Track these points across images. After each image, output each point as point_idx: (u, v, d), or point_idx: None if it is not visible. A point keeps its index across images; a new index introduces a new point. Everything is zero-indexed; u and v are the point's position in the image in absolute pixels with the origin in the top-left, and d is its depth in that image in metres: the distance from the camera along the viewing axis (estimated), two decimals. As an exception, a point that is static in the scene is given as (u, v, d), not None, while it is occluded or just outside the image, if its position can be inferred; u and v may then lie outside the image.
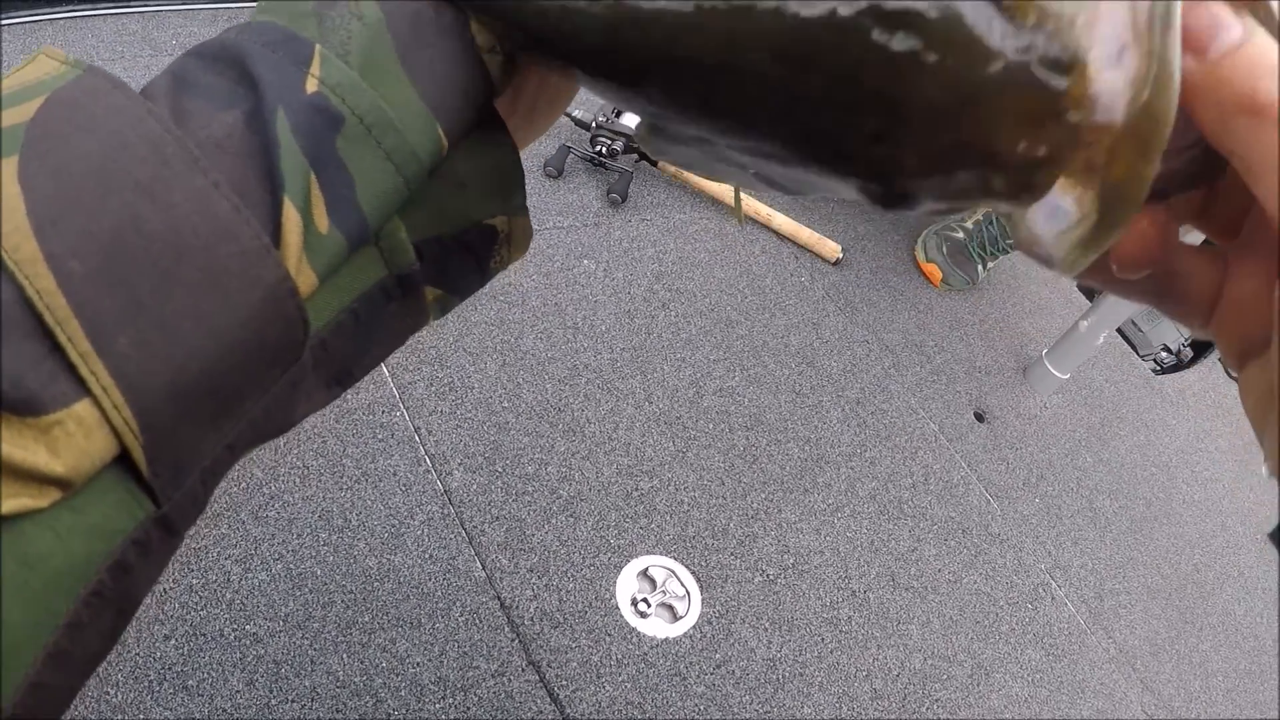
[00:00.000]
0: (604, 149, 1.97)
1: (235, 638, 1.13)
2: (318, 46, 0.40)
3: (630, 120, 2.01)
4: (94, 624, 0.37)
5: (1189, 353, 2.58)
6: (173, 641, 1.10)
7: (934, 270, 2.26)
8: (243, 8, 2.15)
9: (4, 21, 1.84)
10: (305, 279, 0.38)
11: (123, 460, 0.36)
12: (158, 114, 0.36)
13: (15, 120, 0.35)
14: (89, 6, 1.96)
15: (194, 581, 1.15)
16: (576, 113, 2.01)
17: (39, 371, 0.33)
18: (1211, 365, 2.64)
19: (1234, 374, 0.38)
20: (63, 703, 0.38)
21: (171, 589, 1.13)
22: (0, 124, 0.35)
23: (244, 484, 1.25)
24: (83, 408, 0.34)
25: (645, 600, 1.35)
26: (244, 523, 1.22)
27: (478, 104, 0.44)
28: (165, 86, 0.38)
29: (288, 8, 0.41)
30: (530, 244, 0.50)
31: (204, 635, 1.12)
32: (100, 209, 0.34)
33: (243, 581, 1.17)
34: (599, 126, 1.97)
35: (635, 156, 2.03)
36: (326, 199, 0.39)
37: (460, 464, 1.38)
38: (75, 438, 0.34)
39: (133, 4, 2.02)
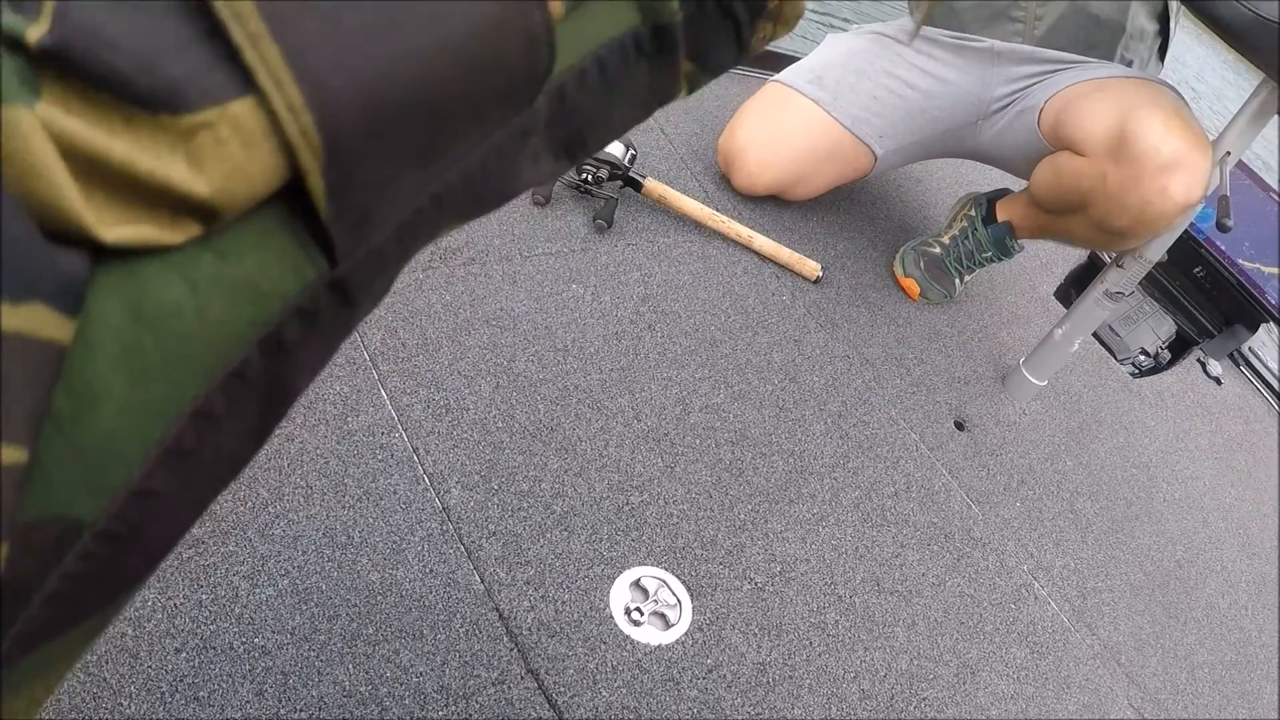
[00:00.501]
0: (589, 176, 2.02)
1: (244, 650, 1.17)
2: None
3: (615, 149, 2.06)
4: (231, 416, 0.29)
5: (1167, 355, 2.62)
6: (184, 654, 1.14)
7: (912, 285, 2.31)
8: None
9: None
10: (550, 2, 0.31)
11: (291, 195, 0.28)
12: None
13: None
14: None
15: (203, 597, 1.18)
16: (561, 142, 2.05)
17: (184, 55, 0.25)
18: (1189, 366, 2.69)
19: None
20: (180, 522, 0.30)
21: (182, 604, 1.17)
22: None
23: (250, 503, 1.29)
24: (243, 107, 0.26)
25: (638, 609, 1.39)
26: (251, 540, 1.26)
27: None
28: None
29: None
30: (793, 26, 0.41)
31: (214, 648, 1.16)
32: None
33: (251, 596, 1.21)
34: (583, 155, 2.02)
35: (620, 183, 2.08)
36: None
37: (458, 482, 1.43)
38: (228, 147, 0.26)
39: None
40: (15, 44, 0.24)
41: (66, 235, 0.25)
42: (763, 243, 2.15)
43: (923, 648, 1.57)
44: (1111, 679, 1.71)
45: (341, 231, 0.29)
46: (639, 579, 1.43)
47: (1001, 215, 2.22)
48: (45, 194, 0.24)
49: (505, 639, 1.29)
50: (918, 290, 2.31)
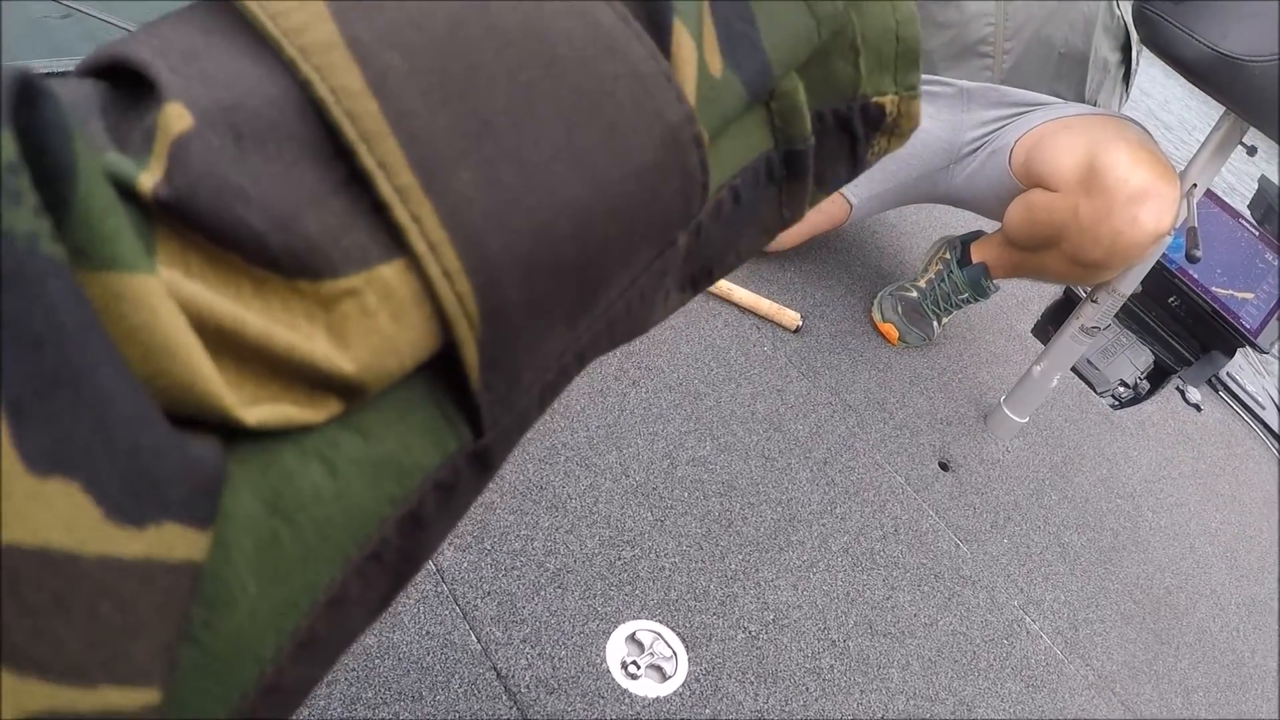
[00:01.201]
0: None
1: None
2: None
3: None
4: (361, 598, 0.27)
5: (1146, 385, 2.65)
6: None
7: (890, 330, 2.33)
8: None
9: None
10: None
11: (433, 363, 0.26)
12: None
13: None
14: None
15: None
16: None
17: (321, 209, 0.23)
18: (1169, 395, 2.71)
19: None
20: (294, 706, 0.28)
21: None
22: None
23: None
24: (392, 272, 0.23)
25: (635, 663, 1.40)
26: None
27: None
28: None
29: None
30: (907, 138, 0.39)
31: None
32: None
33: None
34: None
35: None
36: (719, 34, 0.29)
37: (450, 543, 1.44)
38: (376, 318, 0.23)
39: None
40: (125, 192, 0.22)
41: (195, 421, 0.22)
42: (742, 295, 2.17)
43: (918, 688, 1.58)
44: (1108, 708, 1.72)
45: (491, 402, 0.27)
46: (634, 633, 1.44)
47: (976, 256, 2.25)
48: (179, 374, 0.21)
49: (504, 697, 1.29)
50: (897, 334, 2.33)
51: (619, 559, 1.53)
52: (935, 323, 2.36)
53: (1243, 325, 2.58)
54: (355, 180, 0.23)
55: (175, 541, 0.21)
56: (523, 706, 1.29)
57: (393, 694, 1.25)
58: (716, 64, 0.29)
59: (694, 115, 0.27)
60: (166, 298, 0.21)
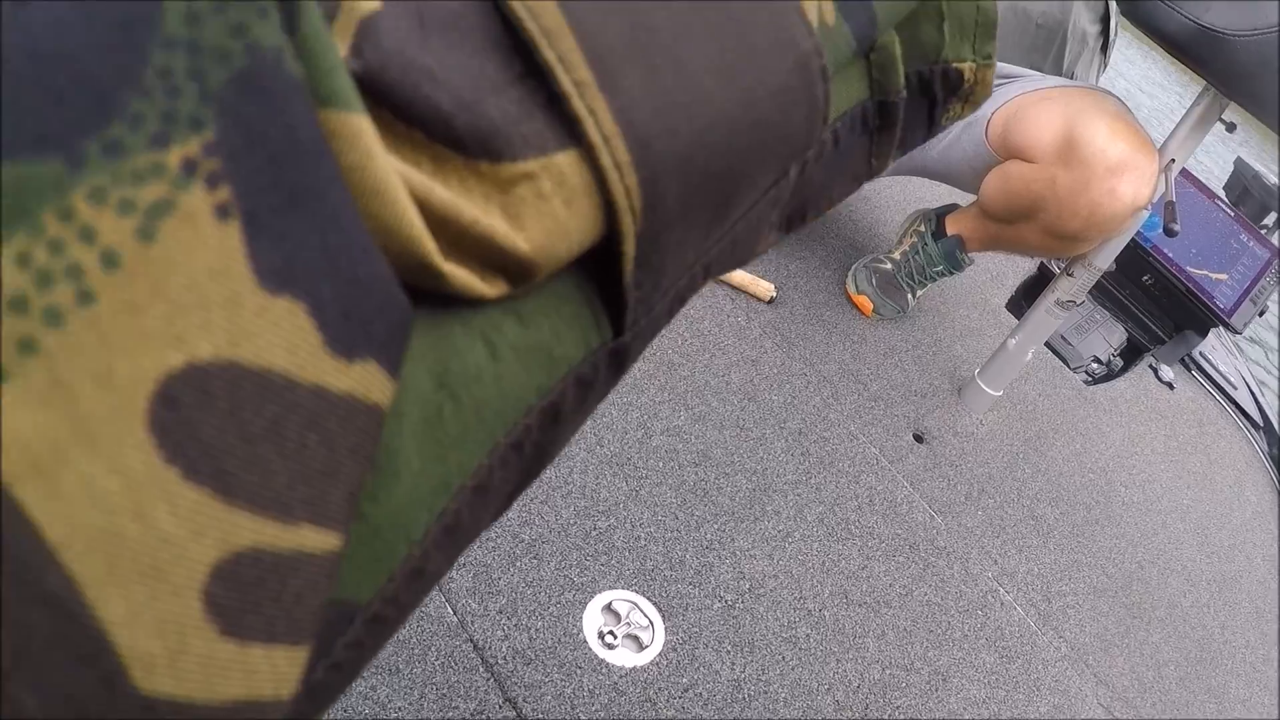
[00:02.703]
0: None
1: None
2: None
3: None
4: (499, 488, 0.27)
5: (1119, 362, 2.65)
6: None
7: (865, 301, 2.32)
8: None
9: None
10: None
11: (585, 257, 0.26)
12: None
13: None
14: None
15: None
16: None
17: (502, 96, 0.23)
18: (1141, 373, 2.71)
19: None
20: (424, 594, 0.28)
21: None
22: None
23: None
24: (567, 160, 0.24)
25: (611, 633, 1.39)
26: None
27: None
28: None
29: None
30: (980, 105, 0.40)
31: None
32: None
33: (223, 641, 1.20)
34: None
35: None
36: None
37: (424, 514, 1.42)
38: (551, 203, 0.24)
39: None
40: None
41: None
42: (717, 265, 2.15)
43: (894, 657, 1.57)
44: (1080, 680, 1.71)
45: (639, 298, 0.28)
46: (610, 603, 1.42)
47: (951, 229, 2.23)
48: (387, 217, 0.21)
49: (481, 669, 1.28)
50: (871, 307, 2.32)
51: (594, 529, 1.51)
52: (910, 295, 2.34)
53: (1216, 305, 2.58)
54: (532, 74, 0.24)
55: (373, 383, 0.22)
56: (500, 678, 1.28)
57: (370, 668, 1.23)
58: (831, 14, 0.30)
59: (822, 48, 0.29)
60: (378, 140, 0.21)
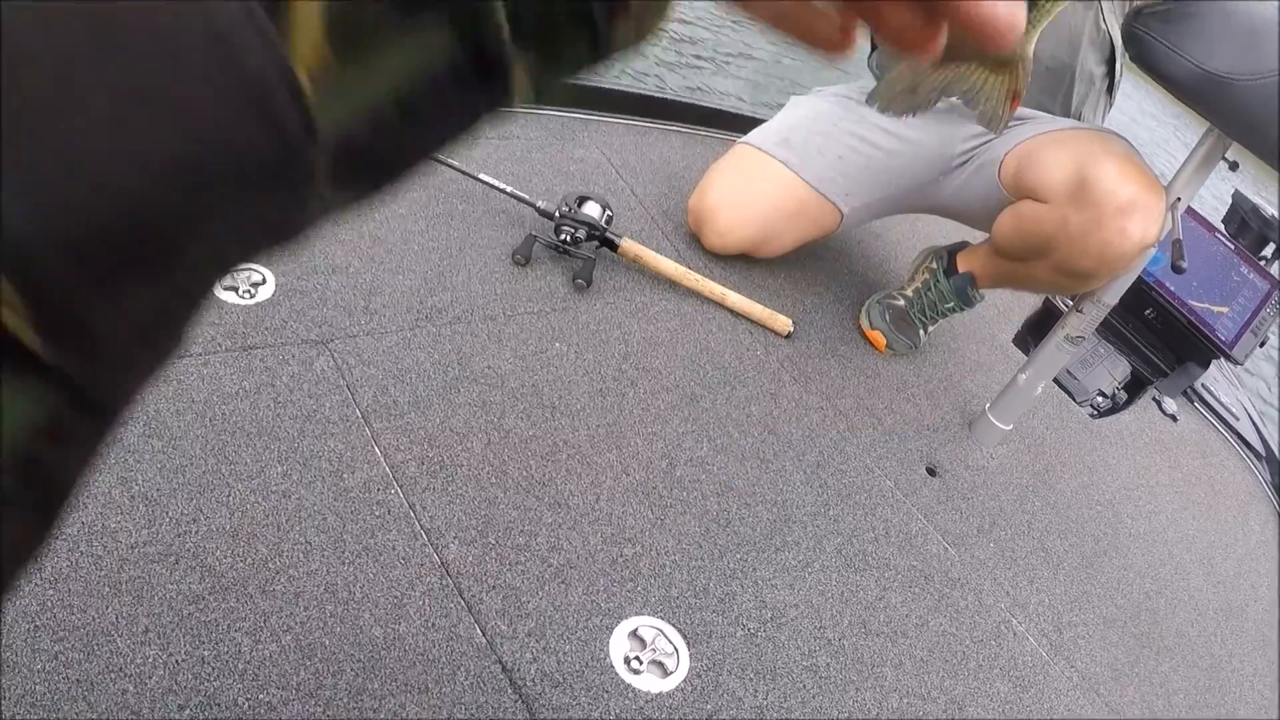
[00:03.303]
0: (568, 237, 2.03)
1: (249, 706, 1.14)
2: None
3: (592, 209, 2.06)
4: None
5: (1123, 395, 2.65)
6: (187, 711, 1.11)
7: (878, 337, 2.32)
8: None
9: None
10: (310, 51, 0.26)
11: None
12: None
13: None
14: None
15: (205, 653, 1.16)
16: (540, 203, 2.06)
17: None
18: (1146, 406, 2.71)
19: None
20: None
21: (184, 660, 1.14)
22: None
23: (250, 559, 1.27)
24: None
25: (637, 658, 1.38)
26: (252, 596, 1.24)
27: None
28: None
29: None
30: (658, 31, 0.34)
31: (218, 704, 1.13)
32: None
33: (254, 653, 1.19)
34: (562, 216, 2.03)
35: (597, 244, 2.08)
36: None
37: (455, 537, 1.42)
38: None
39: None
40: None
41: None
42: (735, 300, 2.16)
43: (911, 686, 1.56)
44: (1092, 709, 1.71)
45: (73, 363, 0.26)
46: (636, 629, 1.42)
47: (962, 266, 2.24)
48: None
49: (509, 690, 1.27)
50: (884, 342, 2.32)
51: (620, 556, 1.51)
52: (921, 331, 2.35)
53: (1218, 338, 2.58)
54: None
55: None
56: (528, 700, 1.27)
57: (398, 686, 1.23)
58: None
59: (287, 61, 0.25)
60: None
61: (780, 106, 2.47)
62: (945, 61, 1.22)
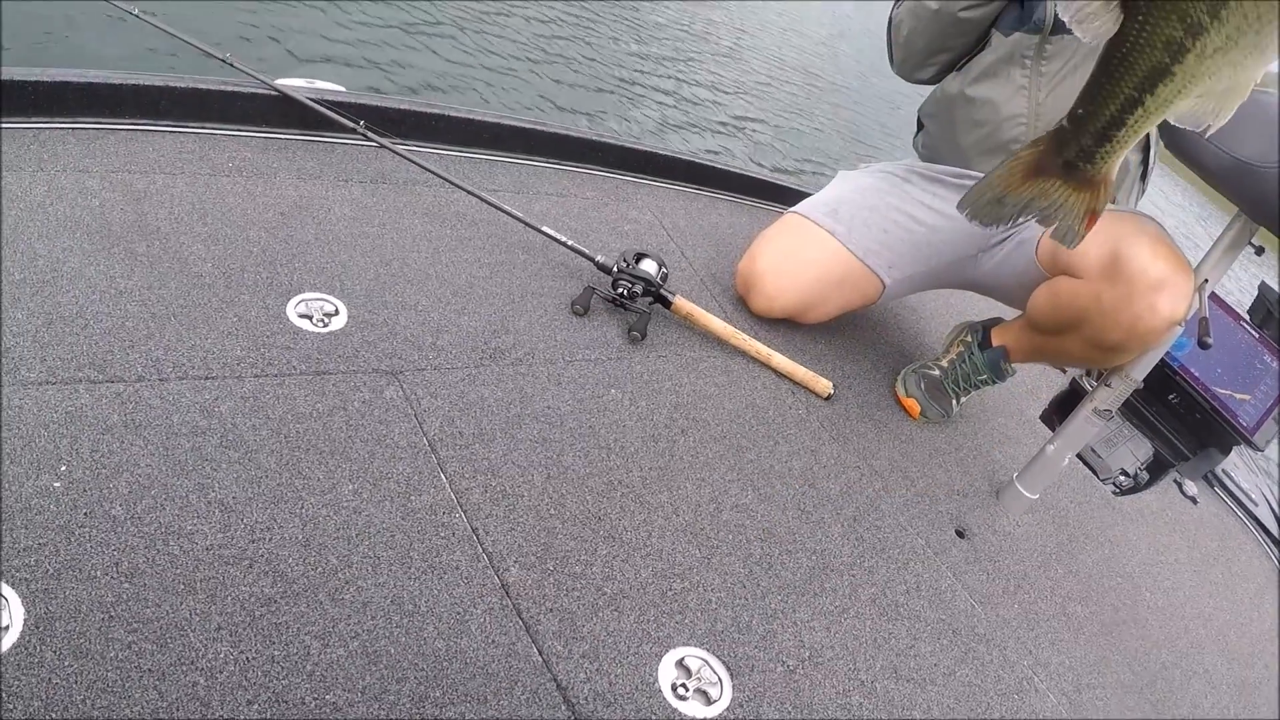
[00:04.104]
0: (625, 291, 2.08)
1: (316, 706, 1.17)
2: None
3: (650, 266, 2.12)
4: None
5: (1145, 476, 2.66)
6: (255, 706, 1.14)
7: (913, 404, 2.36)
8: (292, 136, 2.25)
9: (71, 126, 1.94)
10: None
11: None
12: None
13: None
14: (150, 121, 2.06)
15: (276, 653, 1.19)
16: (599, 258, 2.11)
17: None
18: (1167, 486, 2.73)
19: None
20: None
21: (254, 659, 1.17)
22: None
23: (320, 568, 1.31)
24: None
25: (684, 685, 1.41)
26: (322, 603, 1.27)
27: None
28: None
29: None
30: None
31: (286, 702, 1.16)
32: None
33: (322, 655, 1.22)
34: (620, 271, 2.08)
35: (651, 299, 2.13)
36: None
37: (516, 561, 1.45)
38: None
39: (189, 124, 2.12)
40: None
41: None
42: (780, 361, 2.20)
43: (940, 732, 1.58)
44: None
45: None
46: (683, 658, 1.45)
47: (996, 340, 2.28)
48: None
49: (564, 707, 1.30)
50: (919, 409, 2.36)
51: (670, 589, 1.54)
52: (954, 401, 2.39)
53: (1240, 424, 2.60)
54: None
55: None
56: (581, 718, 1.30)
57: (459, 695, 1.26)
58: None
59: None
60: None
61: (830, 180, 2.53)
62: (1033, 175, 1.26)
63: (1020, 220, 1.32)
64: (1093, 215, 1.25)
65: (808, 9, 19.13)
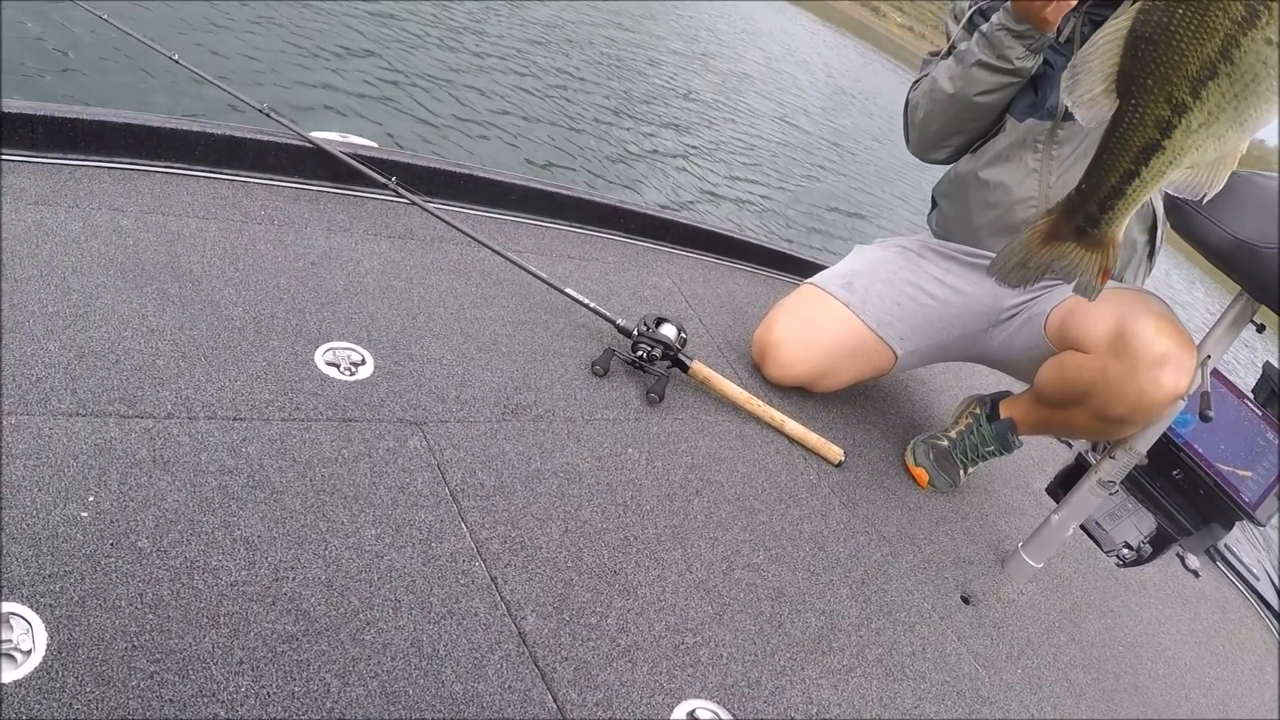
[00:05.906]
0: (644, 354, 2.10)
1: (338, 745, 1.17)
2: None
3: (669, 331, 2.13)
4: None
5: (1148, 549, 2.66)
6: (280, 744, 1.14)
7: (921, 474, 2.36)
8: (324, 188, 2.28)
9: (109, 166, 1.96)
10: None
11: None
12: None
13: None
14: (185, 165, 2.08)
15: (296, 689, 1.19)
16: (620, 321, 2.13)
17: None
18: (1170, 560, 2.71)
19: None
20: None
21: (275, 694, 1.17)
22: None
23: (342, 609, 1.31)
24: None
25: (694, 737, 1.41)
26: (343, 643, 1.27)
27: None
28: None
29: None
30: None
31: (309, 740, 1.16)
32: None
33: (342, 693, 1.21)
34: (640, 334, 2.10)
35: (669, 363, 2.14)
36: None
37: (533, 611, 1.45)
38: None
39: (224, 170, 2.15)
40: None
41: None
42: (793, 427, 2.21)
43: (944, 792, 1.57)
44: None
45: None
46: (694, 710, 1.44)
47: (1004, 413, 2.29)
48: None
49: None
50: (927, 479, 2.36)
51: (683, 643, 1.54)
52: (962, 471, 2.39)
53: (1242, 499, 2.60)
54: None
55: None
56: None
57: (474, 738, 1.25)
58: None
59: None
60: None
61: (845, 254, 2.56)
62: (1050, 241, 1.39)
63: (1044, 280, 1.44)
64: (1105, 271, 1.38)
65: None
